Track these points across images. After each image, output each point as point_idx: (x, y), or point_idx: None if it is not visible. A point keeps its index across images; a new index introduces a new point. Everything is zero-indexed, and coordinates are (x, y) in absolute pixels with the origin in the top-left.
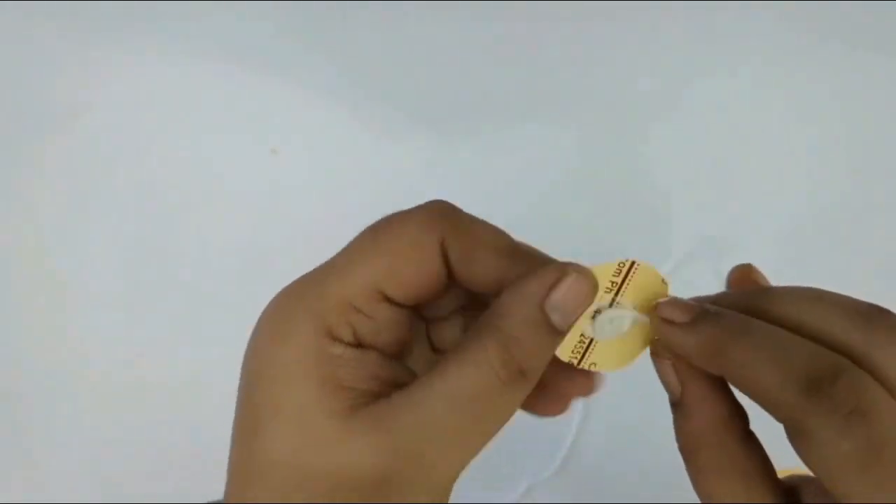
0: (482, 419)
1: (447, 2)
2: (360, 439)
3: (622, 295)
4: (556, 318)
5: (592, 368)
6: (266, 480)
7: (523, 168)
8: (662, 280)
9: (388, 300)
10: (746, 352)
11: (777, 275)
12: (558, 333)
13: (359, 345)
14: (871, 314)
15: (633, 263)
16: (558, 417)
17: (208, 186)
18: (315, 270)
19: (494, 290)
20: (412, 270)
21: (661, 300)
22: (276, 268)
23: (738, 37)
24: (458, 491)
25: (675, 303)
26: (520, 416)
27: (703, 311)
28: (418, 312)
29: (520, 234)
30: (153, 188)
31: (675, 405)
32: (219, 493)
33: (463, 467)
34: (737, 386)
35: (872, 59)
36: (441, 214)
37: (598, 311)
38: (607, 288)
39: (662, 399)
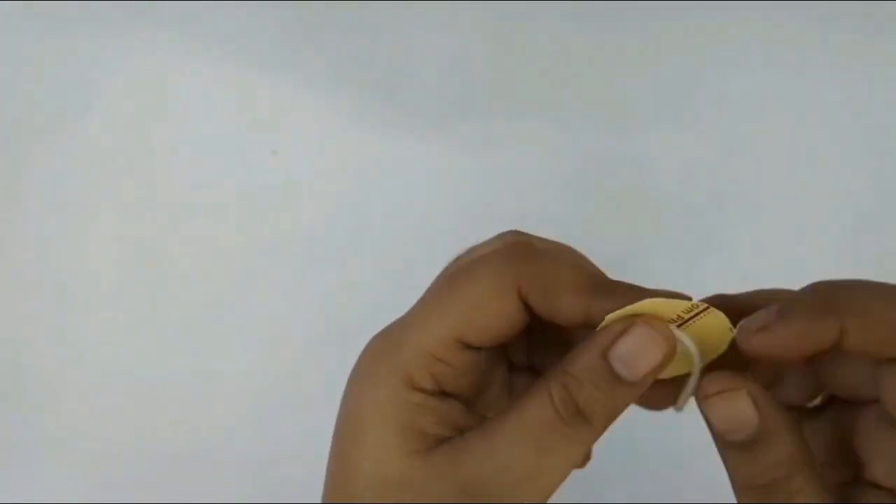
0: (544, 454)
1: (448, 2)
2: (434, 476)
3: (685, 329)
4: (620, 367)
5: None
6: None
7: (526, 167)
8: (730, 329)
9: (468, 346)
10: (861, 298)
11: (782, 277)
12: (627, 384)
13: (440, 392)
14: None
15: (706, 308)
16: None
17: (208, 187)
18: (399, 321)
19: (582, 325)
20: (490, 318)
21: (742, 324)
22: (277, 267)
23: (742, 36)
24: None
25: (753, 317)
26: None
27: (783, 304)
28: (504, 355)
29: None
30: (152, 189)
31: (749, 442)
32: (219, 493)
33: (540, 498)
34: (856, 336)
35: (881, 58)
36: (518, 256)
37: None
38: (671, 319)
39: None
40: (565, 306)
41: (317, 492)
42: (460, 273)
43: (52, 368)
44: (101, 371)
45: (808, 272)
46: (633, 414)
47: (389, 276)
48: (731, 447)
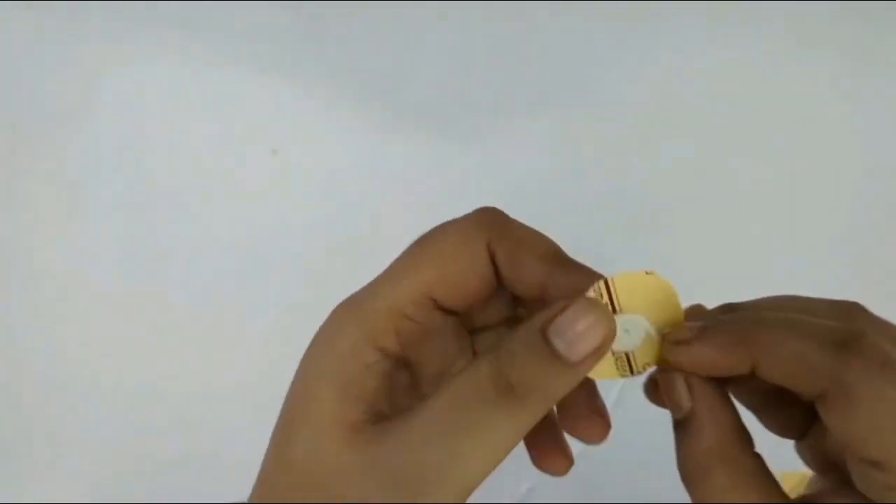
0: (466, 434)
1: (447, 2)
2: (358, 455)
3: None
4: (559, 344)
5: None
6: (284, 482)
7: (524, 167)
8: (674, 293)
9: (438, 307)
10: (772, 332)
11: (764, 281)
12: (568, 363)
13: (399, 356)
14: (845, 342)
15: (648, 273)
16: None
17: (209, 186)
18: (368, 283)
19: (539, 296)
20: (461, 274)
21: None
22: (277, 267)
23: (737, 38)
24: None
25: (681, 326)
26: None
27: (709, 320)
28: (466, 324)
29: None
30: (153, 188)
31: (682, 423)
32: (219, 493)
33: (464, 489)
34: (766, 369)
35: (876, 62)
36: (488, 220)
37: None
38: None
39: None
40: (528, 270)
41: None
42: (432, 233)
43: (51, 369)
44: (101, 371)
45: (800, 278)
46: (635, 414)
47: None
48: (675, 424)
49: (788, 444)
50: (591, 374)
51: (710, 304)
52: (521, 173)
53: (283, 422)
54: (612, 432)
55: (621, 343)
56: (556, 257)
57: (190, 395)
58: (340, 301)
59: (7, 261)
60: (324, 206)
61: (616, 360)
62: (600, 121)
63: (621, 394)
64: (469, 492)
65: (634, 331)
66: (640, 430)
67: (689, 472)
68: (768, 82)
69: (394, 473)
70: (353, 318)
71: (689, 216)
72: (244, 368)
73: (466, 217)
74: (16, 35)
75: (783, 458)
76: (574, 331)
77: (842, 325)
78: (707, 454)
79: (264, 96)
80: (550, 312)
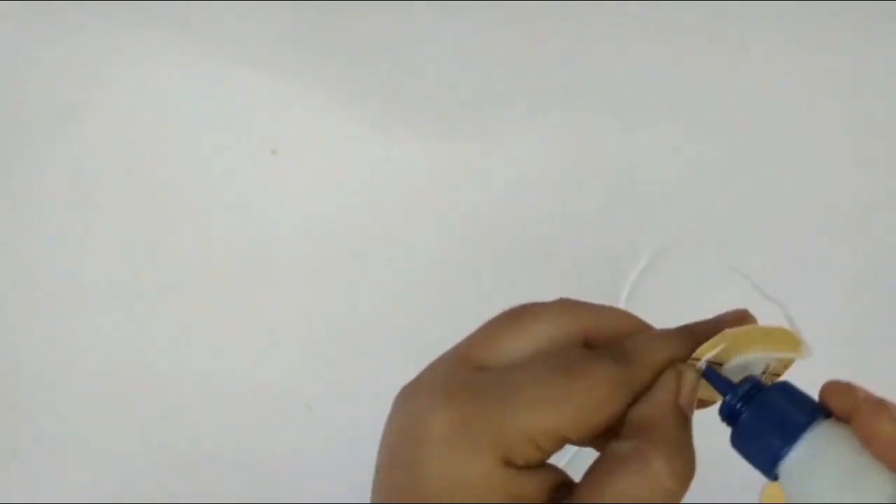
0: None
1: (447, 1)
2: None
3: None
4: (687, 413)
5: None
6: None
7: (527, 165)
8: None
9: (566, 441)
10: None
11: (765, 274)
12: (691, 426)
13: (526, 468)
14: None
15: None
16: None
17: (208, 187)
18: (494, 386)
19: None
20: (601, 420)
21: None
22: (277, 267)
23: (734, 33)
24: None
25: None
26: None
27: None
28: None
29: (522, 233)
30: (153, 189)
31: None
32: (220, 493)
33: None
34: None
35: (874, 56)
36: (623, 359)
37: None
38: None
39: None
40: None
41: (316, 492)
42: (576, 367)
43: (51, 369)
44: (101, 372)
45: (809, 274)
46: None
47: (390, 275)
48: None
49: None
50: None
51: (709, 301)
52: (523, 173)
53: None
54: None
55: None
56: (677, 350)
57: (191, 395)
58: (446, 395)
59: (7, 261)
60: (323, 206)
61: None
62: (601, 120)
63: None
64: None
65: (751, 368)
66: None
67: None
68: (768, 81)
69: None
70: (487, 438)
71: (692, 215)
72: (244, 369)
73: (614, 360)
74: (16, 36)
75: None
76: (690, 396)
77: None
78: None
79: (264, 96)
80: (670, 389)
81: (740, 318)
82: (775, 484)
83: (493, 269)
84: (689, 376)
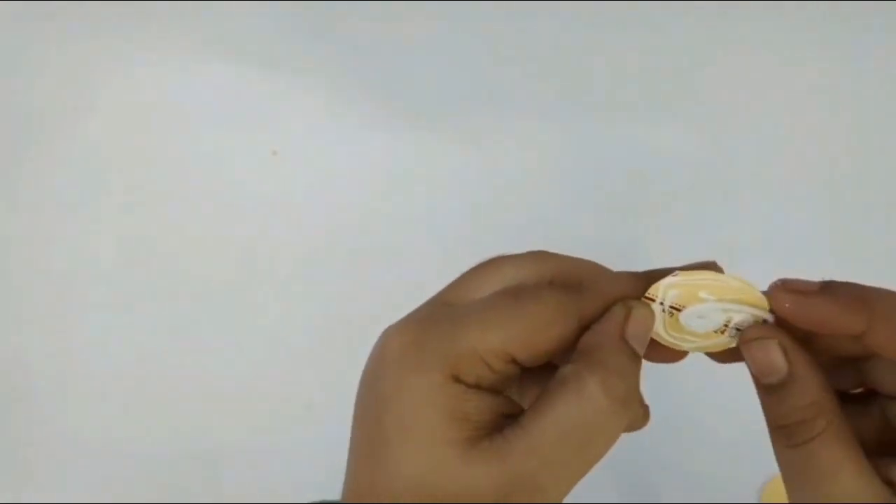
0: (588, 445)
1: (446, 2)
2: (481, 466)
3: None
4: (635, 345)
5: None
6: (393, 497)
7: (524, 165)
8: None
9: (515, 361)
10: (890, 298)
11: (762, 272)
12: (639, 359)
13: (476, 387)
14: None
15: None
16: None
17: (209, 187)
18: (449, 312)
19: None
20: (549, 341)
21: (779, 281)
22: (277, 265)
23: (740, 37)
24: None
25: (796, 280)
26: None
27: (827, 281)
28: None
29: (522, 231)
30: (153, 189)
31: (776, 386)
32: (218, 493)
33: (569, 491)
34: (878, 333)
35: (875, 57)
36: (575, 289)
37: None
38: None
39: (666, 401)
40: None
41: (316, 492)
42: (525, 294)
43: (52, 367)
44: (100, 372)
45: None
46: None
47: (390, 273)
48: (765, 389)
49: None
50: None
51: None
52: (522, 171)
53: (379, 450)
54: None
55: (690, 325)
56: (630, 288)
57: (191, 395)
58: (401, 327)
59: (7, 259)
60: (324, 205)
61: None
62: (597, 117)
63: None
64: (580, 479)
65: (705, 321)
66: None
67: (789, 428)
68: (768, 76)
69: (520, 480)
70: (438, 353)
71: (688, 210)
72: (244, 369)
73: (564, 289)
74: (15, 35)
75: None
76: (641, 331)
77: None
78: (811, 408)
79: (265, 98)
80: (617, 321)
81: (705, 266)
82: (775, 482)
83: None
84: (639, 311)
